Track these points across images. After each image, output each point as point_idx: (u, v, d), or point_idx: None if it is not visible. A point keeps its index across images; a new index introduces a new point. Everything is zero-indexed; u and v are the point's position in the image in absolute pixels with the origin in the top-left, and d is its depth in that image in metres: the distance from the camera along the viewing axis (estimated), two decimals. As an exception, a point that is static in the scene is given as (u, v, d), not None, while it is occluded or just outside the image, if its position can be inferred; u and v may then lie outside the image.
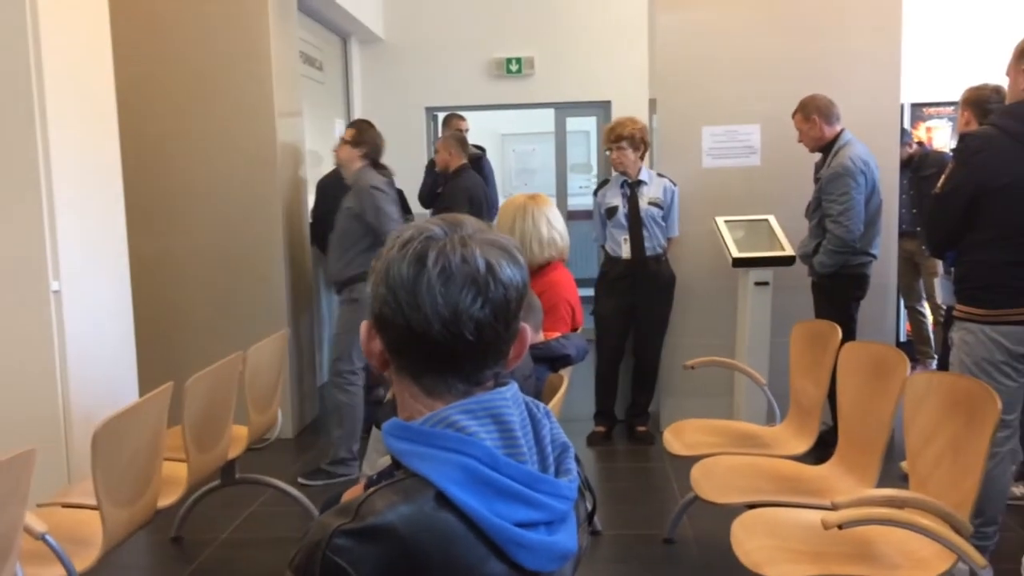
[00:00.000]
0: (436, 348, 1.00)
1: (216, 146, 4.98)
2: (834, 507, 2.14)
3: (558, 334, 2.82)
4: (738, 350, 4.60)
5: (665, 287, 4.80)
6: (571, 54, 7.73)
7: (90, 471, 2.39)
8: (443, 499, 0.94)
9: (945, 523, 2.14)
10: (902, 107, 5.69)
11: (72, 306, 3.19)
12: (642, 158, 4.75)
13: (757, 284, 4.49)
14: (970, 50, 6.28)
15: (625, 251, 4.71)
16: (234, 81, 4.94)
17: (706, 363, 3.89)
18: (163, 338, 4.84)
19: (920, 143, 6.31)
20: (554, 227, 3.20)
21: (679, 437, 3.47)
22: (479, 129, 7.78)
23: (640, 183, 4.72)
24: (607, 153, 4.85)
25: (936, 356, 5.86)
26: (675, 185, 4.78)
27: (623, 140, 4.67)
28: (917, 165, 5.78)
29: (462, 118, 6.79)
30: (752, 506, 2.71)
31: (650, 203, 4.70)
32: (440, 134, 6.75)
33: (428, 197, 6.24)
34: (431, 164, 6.34)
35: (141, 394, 3.45)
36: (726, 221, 4.69)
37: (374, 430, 2.33)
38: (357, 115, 7.70)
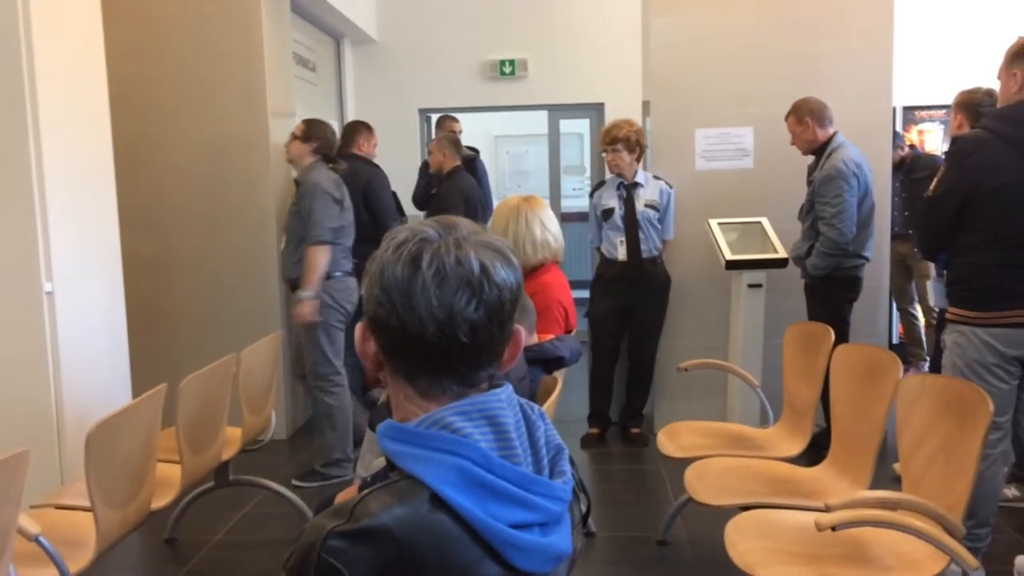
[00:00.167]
0: (431, 350, 1.00)
1: (209, 147, 4.97)
2: (827, 509, 2.14)
3: (552, 336, 2.82)
4: (731, 352, 4.61)
5: (660, 289, 4.81)
6: (565, 56, 7.74)
7: (83, 472, 2.38)
8: (438, 501, 0.94)
9: (938, 525, 2.14)
10: (894, 110, 5.72)
11: (65, 307, 3.18)
12: (638, 160, 4.76)
13: (750, 286, 4.50)
14: (962, 54, 6.31)
15: (621, 253, 4.72)
16: (227, 82, 4.94)
17: (700, 365, 3.90)
18: (157, 339, 4.83)
19: (912, 146, 6.33)
20: (547, 229, 3.20)
21: (673, 439, 3.48)
22: (472, 131, 7.79)
23: (636, 185, 4.73)
24: (603, 155, 4.85)
25: (928, 358, 5.88)
26: (671, 188, 4.79)
27: (619, 142, 4.68)
28: (909, 168, 5.80)
29: (455, 119, 6.80)
30: (746, 508, 2.72)
31: (646, 205, 4.71)
32: (434, 136, 6.75)
33: (422, 199, 6.24)
34: (425, 166, 6.34)
35: (134, 395, 3.44)
36: (719, 223, 4.70)
37: (368, 431, 2.33)
38: (350, 116, 7.70)
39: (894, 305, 6.14)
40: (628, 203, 4.71)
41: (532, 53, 7.80)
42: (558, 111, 8.31)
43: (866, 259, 4.37)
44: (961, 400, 2.34)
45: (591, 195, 5.03)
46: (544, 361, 2.66)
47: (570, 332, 3.10)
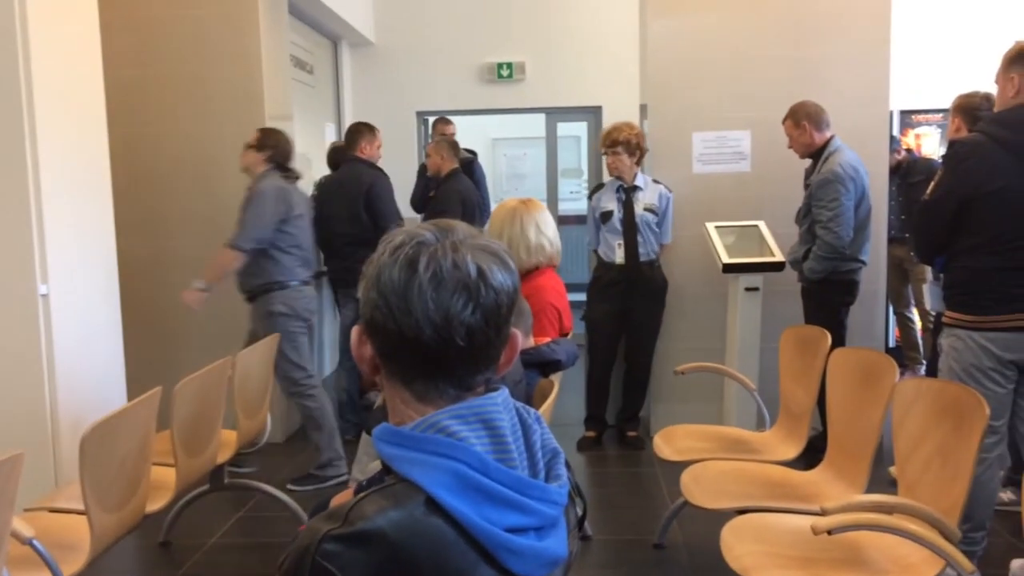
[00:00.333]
0: (427, 353, 1.00)
1: (206, 149, 4.96)
2: (823, 512, 2.14)
3: (548, 339, 2.82)
4: (728, 355, 4.61)
5: (658, 292, 4.81)
6: (562, 59, 7.74)
7: (78, 475, 2.38)
8: (433, 504, 0.94)
9: (933, 529, 2.14)
10: (891, 114, 5.72)
11: (60, 310, 3.17)
12: (638, 164, 4.76)
13: (747, 290, 4.50)
14: (959, 58, 6.32)
15: (619, 256, 4.72)
16: (225, 84, 4.93)
17: (696, 368, 3.90)
18: (152, 342, 4.82)
19: (909, 150, 6.34)
20: (543, 233, 3.18)
21: (669, 442, 3.47)
22: (470, 133, 7.79)
23: (636, 188, 4.73)
24: (603, 156, 4.85)
25: (925, 362, 5.89)
26: (670, 192, 4.79)
27: (619, 145, 4.68)
28: (906, 172, 5.82)
29: (449, 122, 6.79)
30: (742, 511, 2.72)
31: (645, 209, 4.70)
32: (430, 138, 6.75)
33: (420, 201, 6.24)
34: (423, 168, 6.34)
35: (129, 398, 3.44)
36: (716, 227, 4.71)
37: (364, 435, 2.32)
38: (347, 119, 7.69)
39: (891, 309, 6.15)
40: (627, 206, 4.71)
41: (530, 56, 7.81)
42: (555, 114, 8.31)
43: (863, 263, 4.38)
44: (957, 404, 2.34)
45: (590, 197, 5.03)
46: (541, 364, 2.66)
47: (566, 335, 3.09)
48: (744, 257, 4.55)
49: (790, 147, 4.45)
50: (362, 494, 0.96)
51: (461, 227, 1.05)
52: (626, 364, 4.93)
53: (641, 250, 4.70)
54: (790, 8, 4.82)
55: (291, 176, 4.33)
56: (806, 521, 2.18)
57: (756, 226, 4.71)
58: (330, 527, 0.92)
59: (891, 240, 5.31)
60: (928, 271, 4.37)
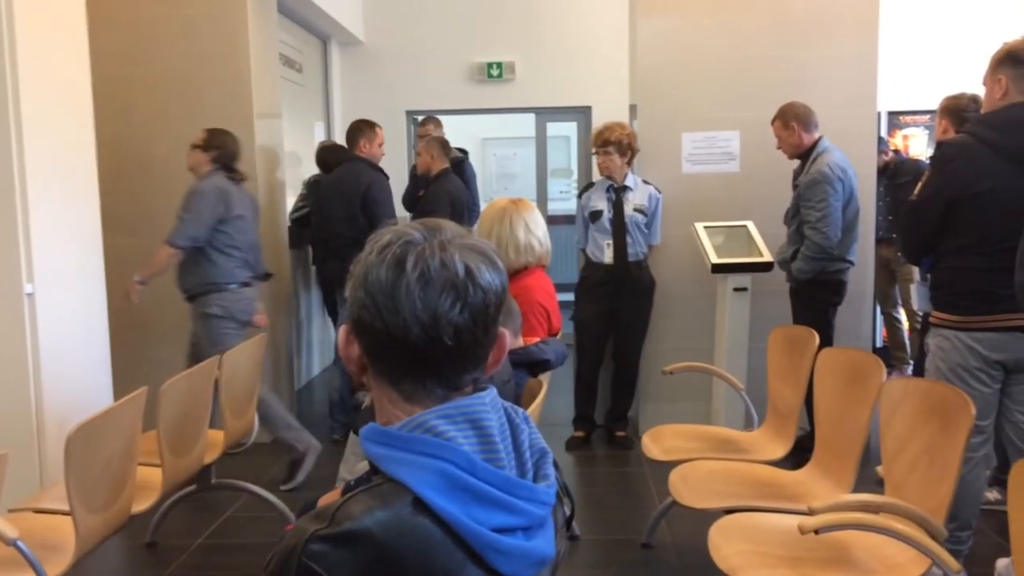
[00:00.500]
0: (415, 353, 1.00)
1: (194, 148, 4.93)
2: (811, 512, 2.15)
3: (537, 339, 2.82)
4: (716, 355, 4.62)
5: (645, 292, 4.82)
6: (552, 59, 7.75)
7: (63, 476, 2.36)
8: (420, 504, 0.93)
9: (920, 528, 2.15)
10: (879, 115, 5.75)
11: (46, 309, 3.15)
12: (629, 164, 4.77)
13: (736, 290, 4.52)
14: (947, 59, 6.35)
15: (607, 256, 4.72)
16: (213, 83, 4.91)
17: (685, 368, 3.90)
18: (138, 342, 4.78)
19: (896, 151, 6.37)
20: (532, 233, 3.18)
21: (658, 442, 3.48)
22: (460, 133, 7.77)
23: (626, 189, 4.73)
24: (593, 155, 4.85)
25: (912, 362, 5.91)
26: (660, 193, 4.80)
27: (610, 145, 4.68)
28: (893, 172, 5.84)
29: (437, 122, 6.77)
30: (730, 511, 2.72)
31: (635, 209, 4.71)
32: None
33: (411, 201, 6.22)
34: (415, 169, 6.31)
35: (116, 398, 3.42)
36: (705, 227, 4.72)
37: (352, 435, 2.32)
38: (337, 118, 7.68)
39: (878, 309, 6.17)
40: (617, 206, 4.71)
41: (519, 56, 7.81)
42: (545, 114, 8.32)
43: (851, 263, 4.40)
44: (944, 404, 2.35)
45: (579, 196, 5.04)
46: (529, 364, 2.66)
47: (554, 335, 3.09)
48: (733, 257, 4.57)
49: (779, 148, 4.46)
50: (349, 494, 0.96)
51: (449, 226, 1.05)
52: (614, 364, 4.94)
53: (630, 250, 4.71)
54: (779, 9, 4.83)
55: (236, 177, 4.30)
56: (793, 521, 2.18)
57: (745, 226, 4.73)
58: (317, 527, 0.91)
59: (879, 240, 5.33)
60: (915, 271, 4.39)
